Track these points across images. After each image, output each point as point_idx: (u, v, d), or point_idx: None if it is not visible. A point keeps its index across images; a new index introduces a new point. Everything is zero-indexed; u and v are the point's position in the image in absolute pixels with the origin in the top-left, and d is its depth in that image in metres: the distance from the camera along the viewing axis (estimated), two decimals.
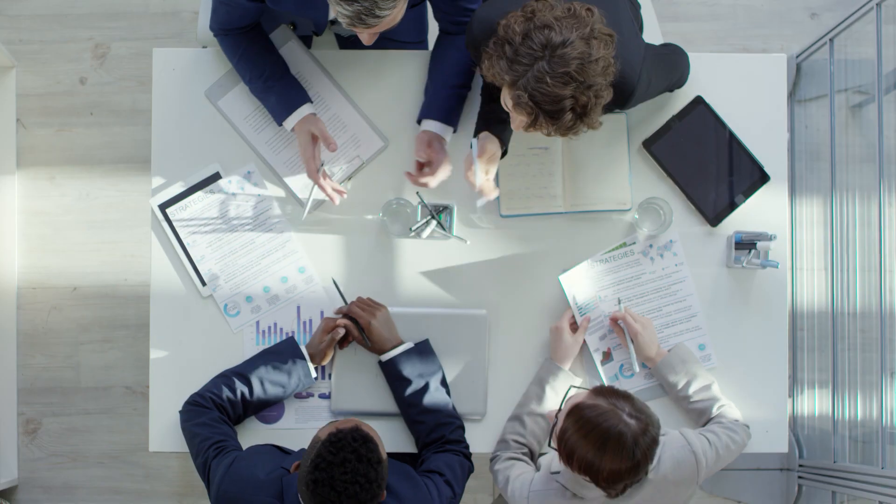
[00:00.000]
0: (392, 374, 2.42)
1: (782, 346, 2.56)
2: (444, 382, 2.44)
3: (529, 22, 2.04)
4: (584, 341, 2.51)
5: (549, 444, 2.14)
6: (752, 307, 2.55)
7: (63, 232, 3.35)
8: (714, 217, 2.55)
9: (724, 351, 2.54)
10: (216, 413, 2.36)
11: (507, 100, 2.12)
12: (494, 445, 2.46)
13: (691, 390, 2.42)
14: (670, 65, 2.40)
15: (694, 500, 3.31)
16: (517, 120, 2.12)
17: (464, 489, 2.35)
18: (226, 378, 2.40)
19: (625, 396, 2.09)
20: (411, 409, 2.41)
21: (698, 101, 2.55)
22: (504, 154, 2.41)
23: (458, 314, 2.51)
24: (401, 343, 2.43)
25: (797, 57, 3.23)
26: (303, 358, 2.43)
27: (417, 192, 2.50)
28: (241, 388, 2.39)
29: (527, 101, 2.04)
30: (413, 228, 2.50)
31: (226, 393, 2.38)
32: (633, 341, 2.45)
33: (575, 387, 2.23)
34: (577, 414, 2.08)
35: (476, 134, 2.39)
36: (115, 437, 3.33)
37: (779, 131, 2.58)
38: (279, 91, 2.46)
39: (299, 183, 2.56)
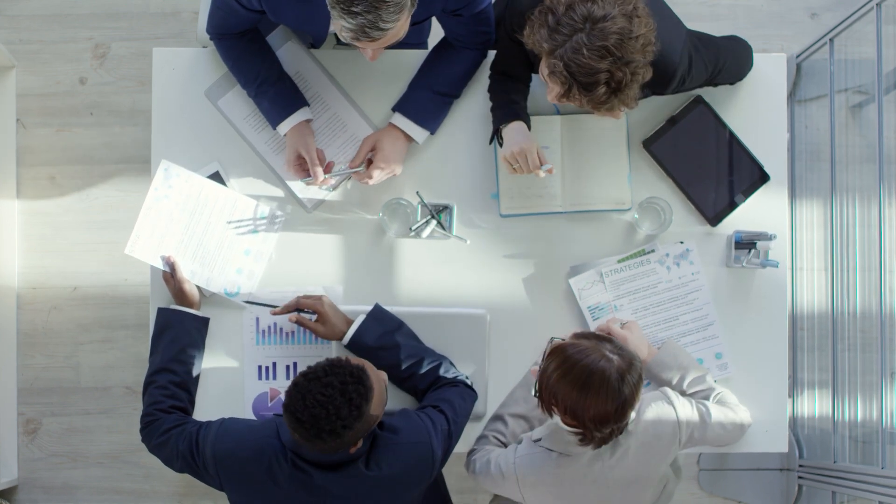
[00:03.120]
0: (361, 351, 2.42)
1: (782, 346, 2.56)
2: (410, 334, 2.44)
3: None
4: None
5: (534, 394, 2.13)
6: (752, 307, 2.55)
7: (63, 232, 3.35)
8: (714, 217, 2.55)
9: (724, 351, 2.54)
10: (172, 417, 2.36)
11: (543, 69, 2.14)
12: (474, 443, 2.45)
13: (686, 384, 2.42)
14: (714, 53, 2.38)
15: (694, 500, 3.31)
16: (552, 90, 2.15)
17: (465, 414, 2.35)
18: (153, 384, 2.41)
19: (607, 338, 2.09)
20: (395, 370, 2.41)
21: (698, 101, 2.55)
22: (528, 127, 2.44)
23: (458, 314, 2.51)
24: (352, 322, 2.43)
25: (797, 57, 3.23)
26: (182, 314, 2.45)
27: (417, 192, 2.50)
28: (170, 380, 2.40)
29: (562, 71, 2.06)
30: (413, 228, 2.50)
31: (163, 394, 2.39)
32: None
33: (556, 337, 2.22)
34: (558, 354, 2.08)
35: (501, 124, 2.39)
36: (115, 437, 3.33)
37: (779, 131, 2.58)
38: (272, 96, 2.46)
39: (299, 183, 2.55)
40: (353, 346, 2.42)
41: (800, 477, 3.20)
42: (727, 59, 2.42)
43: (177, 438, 2.29)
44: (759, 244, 2.50)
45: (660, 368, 2.43)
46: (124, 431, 3.32)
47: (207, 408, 2.49)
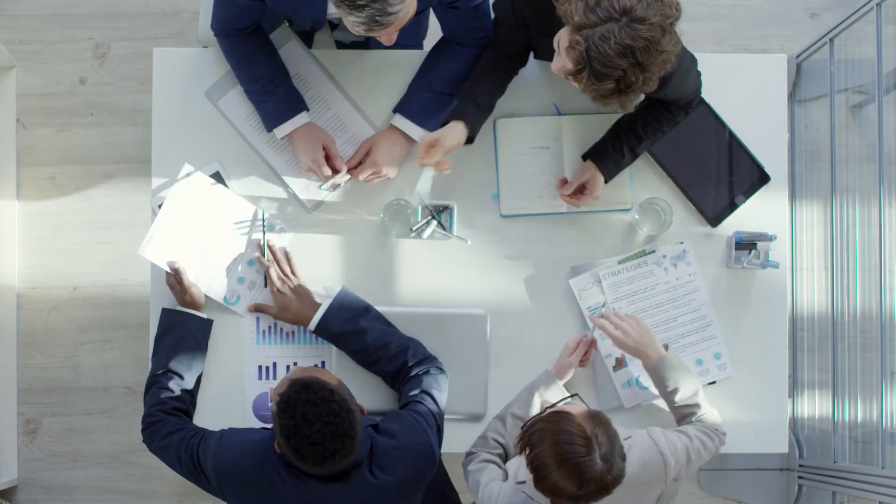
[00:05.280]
0: (328, 335, 2.43)
1: (782, 346, 2.56)
2: (377, 317, 2.44)
3: None
4: (597, 347, 2.51)
5: (521, 428, 2.13)
6: (752, 307, 2.55)
7: (63, 232, 3.35)
8: (714, 217, 2.55)
9: (723, 351, 2.54)
10: (173, 419, 2.36)
11: (562, 40, 2.11)
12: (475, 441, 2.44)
13: (677, 397, 2.38)
14: (696, 71, 2.37)
15: (694, 500, 3.31)
16: (560, 63, 2.11)
17: (445, 401, 2.37)
18: (156, 385, 2.40)
19: (610, 437, 2.04)
20: (362, 355, 2.42)
21: (698, 101, 2.54)
22: (471, 141, 2.43)
23: (458, 314, 2.51)
24: (318, 305, 2.43)
25: (797, 57, 3.23)
26: (186, 315, 2.45)
27: (417, 193, 2.50)
28: (172, 381, 2.40)
29: (582, 51, 2.03)
30: (413, 229, 2.50)
31: (165, 395, 2.39)
32: (619, 348, 2.41)
33: (580, 398, 2.20)
34: (559, 420, 2.05)
35: (451, 118, 2.40)
36: (115, 437, 3.33)
37: (779, 131, 2.58)
38: (280, 96, 2.45)
39: (300, 183, 2.56)
40: (319, 331, 2.43)
41: (800, 477, 3.21)
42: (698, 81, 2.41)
43: (178, 446, 2.29)
44: (760, 245, 2.50)
45: (658, 377, 2.40)
46: (124, 431, 3.32)
47: (207, 408, 2.49)
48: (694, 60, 2.32)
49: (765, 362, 2.54)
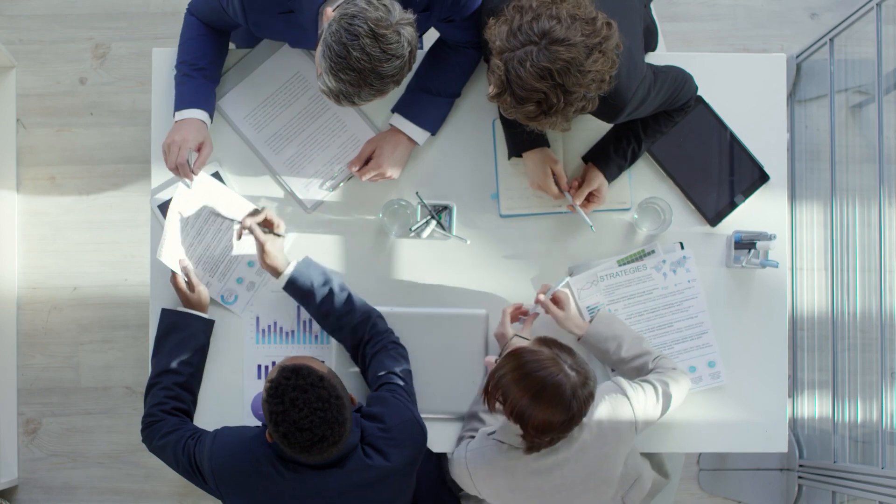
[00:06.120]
0: (297, 292, 2.42)
1: (782, 346, 2.56)
2: (342, 286, 2.43)
3: (548, 7, 2.03)
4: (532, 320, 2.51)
5: (482, 388, 2.14)
6: (752, 307, 2.55)
7: (63, 232, 3.35)
8: (714, 217, 2.55)
9: (724, 351, 2.54)
10: (173, 419, 2.37)
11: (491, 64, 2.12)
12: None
13: (624, 351, 2.41)
14: (671, 90, 2.36)
15: (694, 500, 3.31)
16: (490, 88, 2.12)
17: (411, 376, 2.40)
18: (157, 385, 2.41)
19: (568, 350, 2.09)
20: (328, 318, 2.42)
21: (698, 101, 2.55)
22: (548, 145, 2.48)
23: (458, 314, 2.51)
24: (288, 263, 2.43)
25: (797, 57, 3.23)
26: (190, 316, 2.45)
27: (417, 193, 2.50)
28: (174, 382, 2.40)
29: (501, 75, 2.04)
30: (413, 228, 2.50)
31: (166, 395, 2.39)
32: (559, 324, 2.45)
33: (519, 336, 2.21)
34: (516, 358, 2.08)
35: (517, 154, 2.46)
36: (115, 437, 3.33)
37: (779, 131, 2.58)
38: (200, 83, 2.44)
39: (299, 183, 2.56)
40: (289, 287, 2.42)
41: (800, 477, 3.21)
42: (682, 96, 2.40)
43: (175, 446, 2.30)
44: (759, 244, 2.50)
45: (596, 340, 2.43)
46: (124, 431, 3.32)
47: (207, 407, 2.49)
48: (656, 74, 2.30)
49: (765, 362, 2.54)
